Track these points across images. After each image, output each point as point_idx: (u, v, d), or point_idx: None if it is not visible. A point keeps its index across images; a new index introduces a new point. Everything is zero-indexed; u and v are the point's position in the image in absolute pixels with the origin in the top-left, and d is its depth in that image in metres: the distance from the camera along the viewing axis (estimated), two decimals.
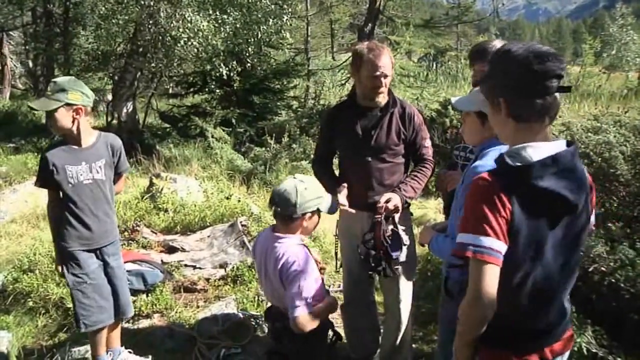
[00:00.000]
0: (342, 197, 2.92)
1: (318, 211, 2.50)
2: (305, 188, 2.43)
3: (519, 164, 1.53)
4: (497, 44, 2.74)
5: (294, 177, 2.49)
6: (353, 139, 3.01)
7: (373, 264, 2.82)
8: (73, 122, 2.94)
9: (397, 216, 2.92)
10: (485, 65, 2.76)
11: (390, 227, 2.84)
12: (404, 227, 2.93)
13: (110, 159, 3.15)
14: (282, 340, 2.57)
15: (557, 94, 1.55)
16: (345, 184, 3.00)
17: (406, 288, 3.16)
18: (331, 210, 2.57)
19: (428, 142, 3.12)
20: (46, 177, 2.97)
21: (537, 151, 1.54)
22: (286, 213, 2.42)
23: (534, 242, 1.55)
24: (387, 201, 2.82)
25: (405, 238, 2.85)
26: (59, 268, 3.12)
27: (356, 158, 3.04)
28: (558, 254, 1.60)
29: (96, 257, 3.14)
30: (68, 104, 2.89)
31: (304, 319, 2.33)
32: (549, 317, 1.67)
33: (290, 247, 2.44)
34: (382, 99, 2.98)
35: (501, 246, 1.51)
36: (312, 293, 2.38)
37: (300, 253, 2.43)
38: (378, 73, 2.88)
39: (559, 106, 1.59)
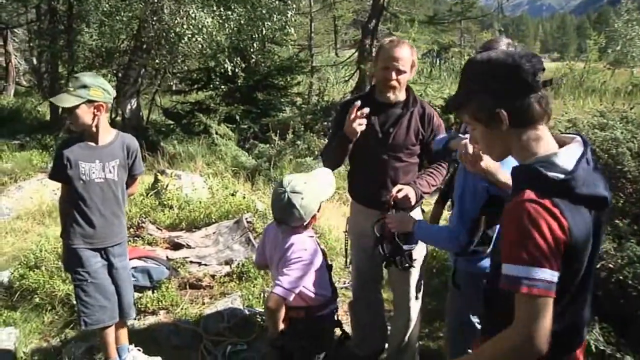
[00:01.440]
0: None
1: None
2: (302, 198, 2.35)
3: (561, 175, 1.44)
4: (504, 42, 2.72)
5: (285, 189, 2.36)
6: (370, 136, 2.89)
7: (387, 255, 2.74)
8: (93, 118, 2.93)
9: (417, 211, 2.88)
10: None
11: None
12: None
13: (125, 160, 3.11)
14: (287, 333, 2.56)
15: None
16: (357, 103, 2.77)
17: (415, 286, 3.12)
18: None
19: None
20: (59, 171, 2.96)
21: (568, 157, 1.47)
22: (296, 225, 2.42)
23: (583, 255, 1.46)
24: (398, 191, 2.75)
25: None
26: (64, 263, 3.16)
27: (371, 155, 2.96)
28: (589, 260, 1.51)
29: (101, 257, 3.11)
30: (89, 101, 2.87)
31: (277, 300, 2.33)
32: (581, 332, 1.61)
33: (300, 237, 2.44)
34: (393, 95, 2.90)
35: (556, 276, 1.39)
36: (301, 283, 2.38)
37: (309, 244, 2.44)
38: (390, 65, 2.81)
39: (551, 100, 1.53)
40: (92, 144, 3.00)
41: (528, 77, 1.46)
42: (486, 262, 2.25)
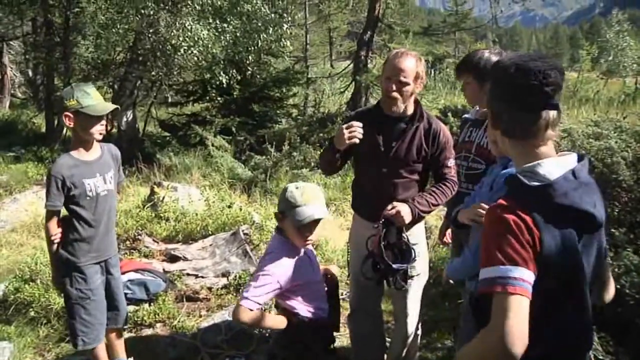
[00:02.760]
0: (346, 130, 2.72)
1: (293, 218, 2.40)
2: (295, 189, 2.42)
3: (537, 183, 1.43)
4: (486, 54, 2.74)
5: (296, 185, 2.46)
6: (372, 148, 2.84)
7: (379, 274, 2.68)
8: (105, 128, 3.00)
9: (416, 228, 2.84)
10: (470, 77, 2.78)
11: (394, 238, 2.66)
12: (416, 242, 2.77)
13: (116, 169, 3.15)
14: (279, 342, 2.55)
15: (551, 111, 1.45)
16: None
17: (414, 300, 3.08)
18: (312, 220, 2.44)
19: (452, 162, 2.91)
20: (62, 197, 2.88)
21: (553, 167, 1.45)
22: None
23: (565, 266, 1.42)
24: (392, 208, 2.66)
25: (414, 252, 2.66)
26: (58, 282, 3.05)
27: (372, 168, 2.90)
28: (586, 279, 1.48)
29: (101, 270, 3.09)
30: None
31: (243, 312, 2.28)
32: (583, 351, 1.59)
33: (274, 239, 2.47)
34: (395, 107, 2.81)
35: (530, 276, 1.36)
36: (266, 290, 2.33)
37: (280, 245, 2.44)
38: (392, 76, 2.74)
39: (554, 122, 1.47)
40: (86, 157, 2.97)
41: (533, 94, 1.43)
42: None
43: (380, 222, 2.64)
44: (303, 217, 2.36)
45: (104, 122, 2.95)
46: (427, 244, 3.16)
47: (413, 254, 2.64)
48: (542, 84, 1.41)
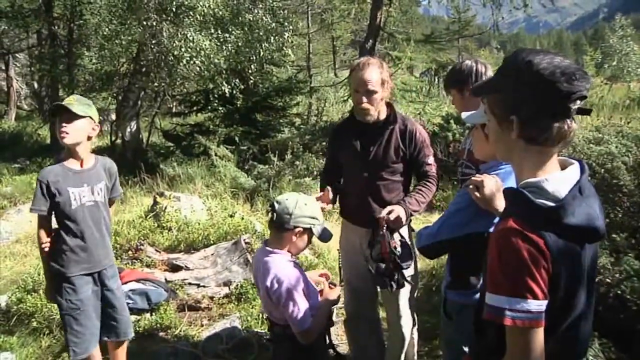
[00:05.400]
0: (319, 199, 2.89)
1: (310, 232, 2.47)
2: (305, 204, 2.44)
3: (546, 202, 1.35)
4: (467, 62, 2.76)
5: (299, 194, 2.50)
6: (352, 154, 3.00)
7: (386, 278, 2.72)
8: (89, 137, 2.98)
9: (405, 229, 2.89)
10: (459, 89, 2.77)
11: (398, 238, 2.75)
12: (409, 243, 2.88)
13: (109, 183, 3.15)
14: (282, 344, 2.54)
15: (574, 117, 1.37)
16: (329, 188, 2.98)
17: (406, 303, 3.12)
18: (323, 237, 2.52)
19: (431, 160, 3.05)
20: (47, 202, 2.89)
21: (560, 184, 1.38)
22: (280, 221, 2.41)
23: (572, 284, 1.39)
24: (389, 213, 2.73)
25: (412, 249, 2.81)
26: (50, 294, 3.05)
27: (354, 173, 3.03)
28: (585, 287, 1.45)
29: (94, 281, 3.07)
30: (91, 118, 2.96)
31: (309, 331, 2.35)
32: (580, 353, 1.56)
33: (280, 264, 2.41)
34: (368, 117, 2.92)
35: (543, 305, 1.32)
36: (307, 305, 2.37)
37: (290, 271, 2.41)
38: (359, 89, 2.86)
39: (575, 130, 1.39)
40: (76, 167, 2.98)
41: (559, 99, 1.33)
42: (478, 295, 2.22)
43: (384, 227, 2.69)
44: (319, 234, 2.49)
45: (65, 125, 2.86)
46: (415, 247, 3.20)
47: (413, 251, 2.78)
48: (584, 89, 1.35)
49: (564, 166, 1.47)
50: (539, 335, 1.33)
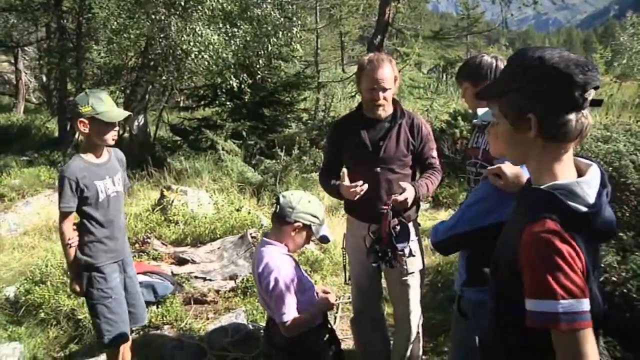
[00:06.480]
0: (346, 181, 2.90)
1: (309, 230, 2.49)
2: (309, 201, 2.47)
3: (584, 208, 1.34)
4: (487, 58, 2.72)
5: (306, 192, 2.53)
6: (361, 151, 2.99)
7: (379, 254, 2.78)
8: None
9: (411, 225, 2.92)
10: (474, 83, 2.75)
11: (399, 218, 2.80)
12: (412, 239, 2.90)
13: (123, 173, 3.22)
14: (275, 339, 2.55)
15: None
16: (344, 171, 2.98)
17: (417, 300, 3.13)
18: (322, 238, 2.54)
19: (435, 153, 3.12)
20: (76, 199, 2.91)
21: (588, 187, 1.36)
22: (282, 214, 2.45)
23: (590, 272, 1.35)
24: (401, 193, 2.76)
25: (413, 231, 2.87)
26: (76, 286, 3.05)
27: (365, 170, 2.98)
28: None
29: (119, 269, 3.15)
30: None
31: (290, 325, 2.35)
32: None
33: (274, 254, 2.44)
34: (382, 112, 2.99)
35: (588, 304, 1.28)
36: (294, 299, 2.37)
37: (283, 263, 2.42)
38: (375, 86, 2.91)
39: (591, 124, 1.38)
40: (97, 160, 3.03)
41: (576, 91, 1.31)
42: None
43: (389, 208, 2.75)
44: (319, 234, 2.52)
45: (117, 128, 3.02)
46: (422, 244, 3.21)
47: (410, 233, 2.81)
48: (586, 81, 1.33)
49: (579, 168, 1.44)
50: (592, 335, 1.28)
